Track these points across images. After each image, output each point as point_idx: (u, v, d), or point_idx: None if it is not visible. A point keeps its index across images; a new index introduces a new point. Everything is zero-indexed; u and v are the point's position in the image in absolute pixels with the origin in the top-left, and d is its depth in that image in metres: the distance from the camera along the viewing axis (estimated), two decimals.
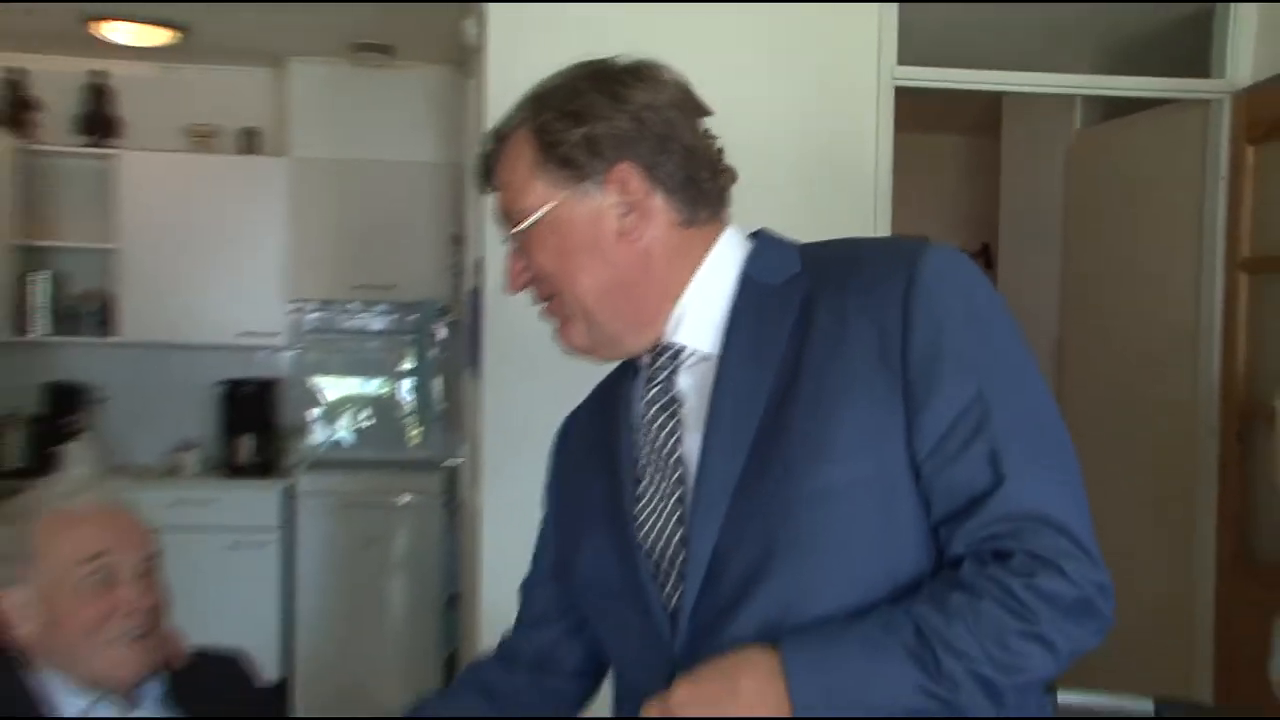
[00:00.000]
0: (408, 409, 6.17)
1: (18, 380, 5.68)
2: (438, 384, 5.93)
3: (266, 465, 5.65)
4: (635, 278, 1.38)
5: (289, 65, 5.58)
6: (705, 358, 1.39)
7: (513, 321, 3.73)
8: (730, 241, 1.44)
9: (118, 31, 4.93)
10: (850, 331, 1.31)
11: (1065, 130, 5.20)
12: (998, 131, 5.96)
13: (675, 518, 1.38)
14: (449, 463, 5.53)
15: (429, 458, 5.95)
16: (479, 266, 3.93)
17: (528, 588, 1.69)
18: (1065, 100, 5.09)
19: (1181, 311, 4.25)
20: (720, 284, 1.41)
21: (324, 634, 5.43)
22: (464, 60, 4.54)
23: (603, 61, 1.41)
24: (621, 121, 1.35)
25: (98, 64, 5.55)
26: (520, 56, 3.64)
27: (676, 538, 1.38)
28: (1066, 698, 1.97)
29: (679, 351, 1.41)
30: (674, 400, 1.40)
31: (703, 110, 1.44)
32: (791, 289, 1.37)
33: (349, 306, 6.05)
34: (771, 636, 1.29)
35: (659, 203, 1.37)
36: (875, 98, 3.89)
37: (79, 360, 5.81)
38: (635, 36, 3.31)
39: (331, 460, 5.90)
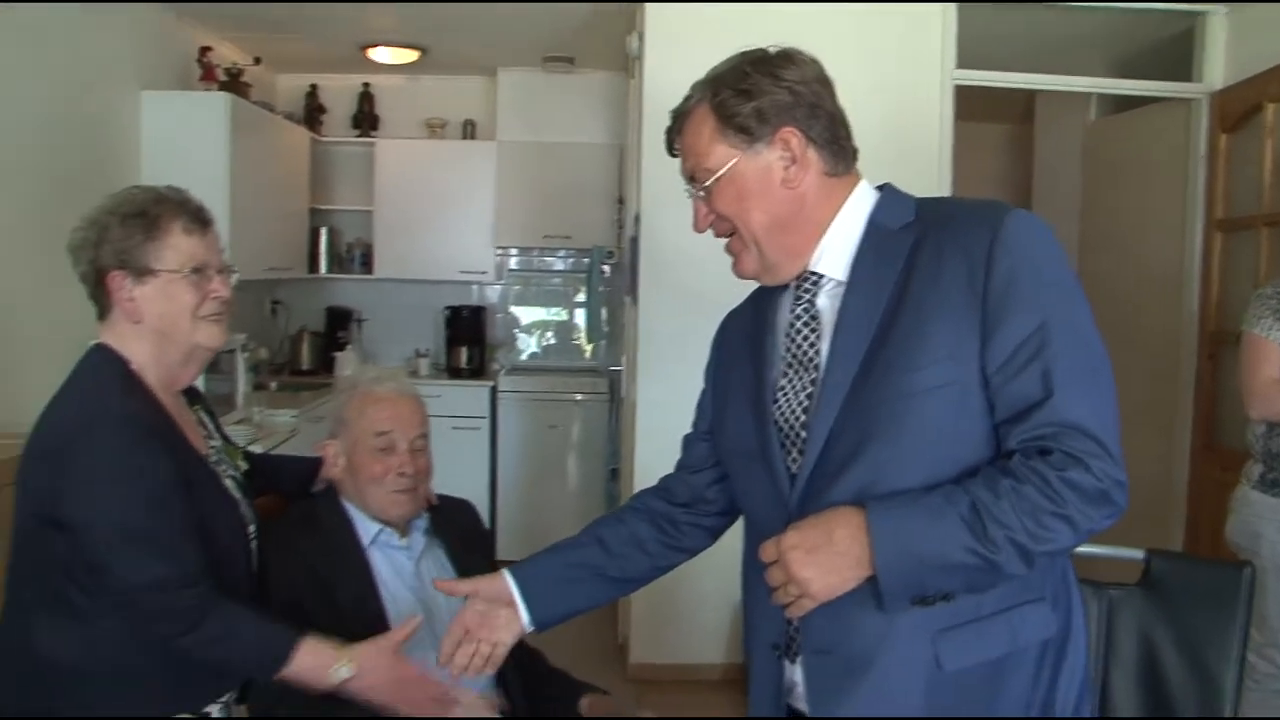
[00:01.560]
0: (581, 329, 6.93)
1: (308, 305, 6.73)
2: (604, 310, 6.61)
3: (478, 370, 6.53)
4: (794, 217, 1.57)
5: (498, 73, 6.43)
6: (839, 284, 1.58)
7: (660, 262, 4.51)
8: (862, 191, 1.62)
9: (380, 53, 5.93)
10: (945, 269, 1.47)
11: (1083, 121, 5.73)
12: (1032, 121, 6.39)
13: (804, 404, 1.56)
14: (612, 369, 6.12)
15: (596, 366, 6.73)
16: (637, 220, 4.54)
17: (687, 442, 1.90)
18: (1083, 97, 5.63)
19: (1170, 260, 4.76)
20: (853, 225, 1.58)
21: (518, 495, 6.25)
22: (627, 66, 5.24)
23: (759, 50, 1.59)
24: (781, 95, 1.54)
25: (365, 78, 6.56)
26: (669, 63, 4.40)
27: (803, 418, 1.56)
28: (1080, 549, 1.84)
29: (820, 278, 1.60)
30: (814, 315, 1.59)
31: (832, 86, 1.59)
32: (905, 234, 1.54)
33: (539, 251, 6.90)
34: (862, 501, 1.45)
35: (812, 156, 1.56)
36: (939, 94, 4.46)
37: (348, 291, 6.83)
38: (752, 43, 4.25)
39: (524, 367, 6.78)
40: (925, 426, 1.46)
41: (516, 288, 7.03)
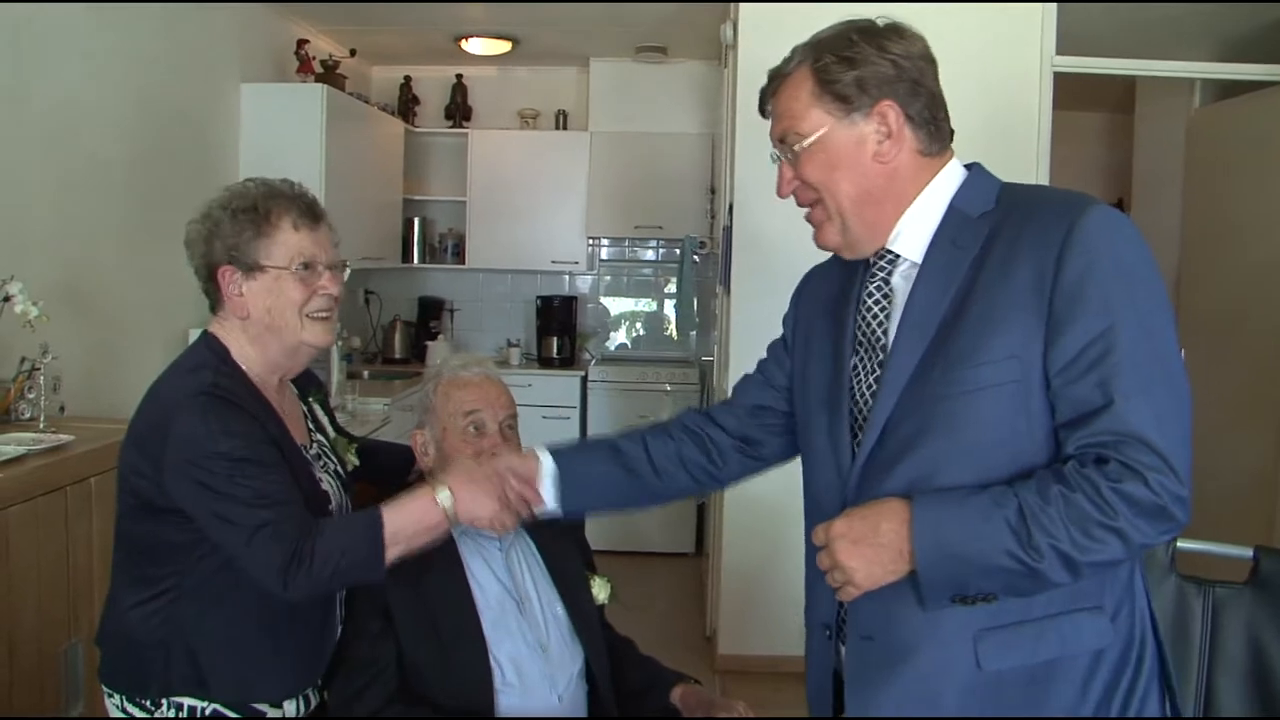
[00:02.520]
0: (671, 320, 6.93)
1: (401, 294, 6.85)
2: (695, 301, 6.49)
3: (568, 359, 6.61)
4: (882, 192, 1.56)
5: (590, 63, 6.51)
6: (914, 265, 1.56)
7: (753, 252, 4.49)
8: (950, 172, 1.59)
9: (473, 44, 6.05)
10: (1017, 263, 1.45)
11: (1186, 108, 5.58)
12: (1130, 109, 6.25)
13: (872, 387, 1.56)
14: (703, 359, 6.16)
15: (686, 356, 6.76)
16: (730, 209, 4.57)
17: (745, 381, 1.92)
18: (1187, 83, 5.49)
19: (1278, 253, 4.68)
20: (934, 207, 1.56)
21: None
22: (720, 55, 5.27)
23: (867, 20, 1.57)
24: (885, 67, 1.52)
25: (458, 69, 6.65)
26: (764, 52, 4.26)
27: (867, 398, 1.57)
28: (1184, 545, 2.05)
29: (896, 257, 1.59)
30: (886, 295, 1.59)
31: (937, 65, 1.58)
32: (983, 223, 1.52)
33: (630, 242, 6.97)
34: (916, 492, 1.45)
35: (908, 134, 1.55)
36: (1038, 81, 4.38)
37: (440, 280, 6.95)
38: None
39: (615, 357, 6.89)
40: (984, 424, 1.45)
41: (607, 278, 7.09)
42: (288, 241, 1.90)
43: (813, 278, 1.83)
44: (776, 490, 4.43)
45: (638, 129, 6.51)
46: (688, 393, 6.36)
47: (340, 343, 4.99)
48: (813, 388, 1.69)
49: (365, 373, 6.12)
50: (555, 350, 6.65)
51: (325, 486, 1.98)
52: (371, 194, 5.96)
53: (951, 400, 1.45)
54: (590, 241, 6.83)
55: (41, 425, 3.07)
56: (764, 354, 3.71)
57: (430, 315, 6.86)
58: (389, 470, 2.36)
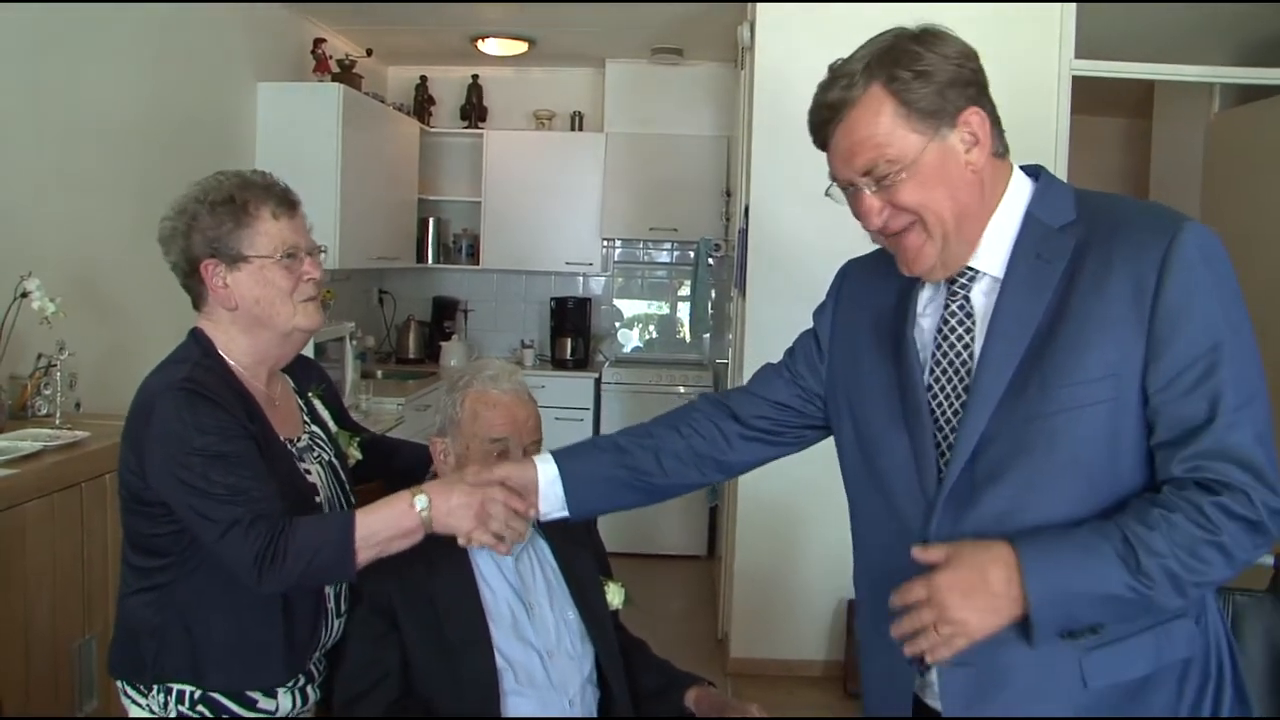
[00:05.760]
0: (684, 323, 6.93)
1: (415, 294, 6.88)
2: (708, 304, 6.62)
3: (582, 361, 6.62)
4: (975, 203, 1.50)
5: (606, 64, 6.51)
6: (994, 280, 1.51)
7: (769, 255, 4.51)
8: (1018, 177, 1.55)
9: (489, 45, 6.06)
10: (1112, 279, 1.41)
11: (1205, 113, 5.54)
12: (1148, 114, 6.23)
13: (956, 408, 1.52)
14: (718, 362, 6.20)
15: (699, 359, 6.82)
16: (746, 212, 4.57)
17: (771, 374, 1.85)
18: (1206, 88, 5.43)
19: None
20: (1011, 217, 1.51)
21: None
22: (736, 57, 5.26)
23: (905, 29, 1.50)
24: (959, 72, 1.46)
25: (474, 69, 6.66)
26: (781, 54, 4.43)
27: (955, 421, 1.52)
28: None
29: (976, 273, 1.53)
30: (969, 314, 1.53)
31: None
32: (1068, 234, 1.47)
33: (644, 244, 6.98)
34: (1009, 518, 1.44)
35: (990, 137, 1.49)
36: (1056, 85, 4.37)
37: (455, 281, 6.99)
38: (868, 32, 4.30)
39: (628, 359, 6.90)
40: (1079, 443, 1.42)
41: (621, 280, 7.09)
42: (269, 231, 1.90)
43: (852, 276, 1.79)
44: (789, 493, 4.52)
45: (653, 130, 6.53)
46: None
47: (355, 342, 4.99)
48: (876, 406, 1.63)
49: (379, 372, 6.13)
50: (569, 352, 6.66)
51: (313, 479, 1.99)
52: (387, 194, 5.98)
53: (1047, 419, 1.43)
54: (605, 243, 6.83)
55: (57, 421, 3.08)
56: (778, 357, 3.68)
57: (444, 315, 6.88)
58: (405, 471, 2.35)
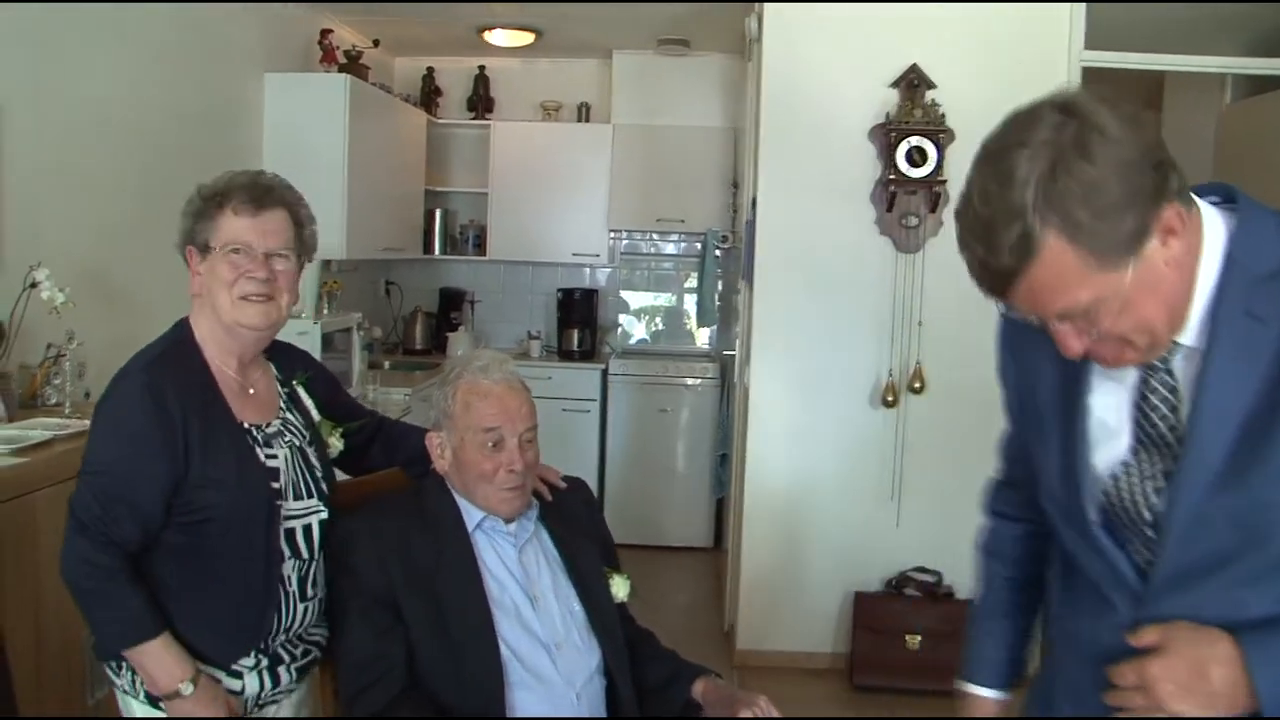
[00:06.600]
0: (690, 314, 6.94)
1: (422, 285, 6.89)
2: (715, 295, 6.61)
3: (589, 352, 6.64)
4: (1183, 293, 1.28)
5: (613, 56, 6.53)
6: (1193, 347, 1.31)
7: (777, 246, 4.51)
8: (1211, 216, 1.31)
9: (496, 36, 6.06)
10: None
11: (1217, 104, 5.52)
12: (1158, 105, 6.11)
13: (1155, 489, 1.35)
14: (725, 354, 6.22)
15: (706, 351, 6.82)
16: (754, 204, 4.58)
17: (1015, 450, 1.70)
18: (1217, 79, 5.41)
19: None
20: (1210, 270, 1.29)
21: (627, 476, 6.37)
22: (744, 49, 5.24)
23: (1061, 118, 1.19)
24: (1140, 177, 1.19)
25: (480, 60, 6.67)
26: (790, 45, 4.45)
27: (1150, 502, 1.36)
28: None
29: (1175, 345, 1.32)
30: (1173, 389, 1.34)
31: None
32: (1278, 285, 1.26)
33: (651, 235, 6.96)
34: (1227, 614, 1.30)
35: (1184, 217, 1.23)
36: (1065, 77, 4.33)
37: (461, 272, 7.00)
38: (881, 28, 4.31)
39: (635, 350, 6.88)
40: None
41: (626, 272, 7.09)
42: (224, 225, 1.98)
43: (1017, 334, 1.52)
44: (797, 485, 4.54)
45: (660, 122, 6.53)
46: (708, 388, 6.39)
47: (362, 332, 5.00)
48: (1051, 478, 1.49)
49: (386, 363, 6.15)
50: (576, 343, 6.68)
51: (275, 463, 2.04)
52: (393, 185, 5.98)
53: (1272, 509, 1.27)
54: (612, 234, 6.83)
55: (67, 410, 3.10)
56: (786, 348, 4.15)
57: (451, 306, 6.89)
58: (409, 464, 2.40)
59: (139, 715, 2.01)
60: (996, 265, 1.22)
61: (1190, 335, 1.31)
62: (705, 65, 6.48)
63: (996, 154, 1.22)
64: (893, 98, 4.43)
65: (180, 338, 2.04)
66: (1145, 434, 1.37)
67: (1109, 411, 1.40)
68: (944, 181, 4.38)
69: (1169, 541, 1.33)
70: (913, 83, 4.39)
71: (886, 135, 4.38)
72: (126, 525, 1.89)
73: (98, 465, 1.91)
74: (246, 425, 2.03)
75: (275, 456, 2.05)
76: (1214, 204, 1.33)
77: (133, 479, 1.89)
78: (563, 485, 2.37)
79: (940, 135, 4.33)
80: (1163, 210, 1.21)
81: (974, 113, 4.25)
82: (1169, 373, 1.34)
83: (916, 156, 4.33)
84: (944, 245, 4.40)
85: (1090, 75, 4.43)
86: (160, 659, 1.90)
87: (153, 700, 1.96)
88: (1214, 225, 1.30)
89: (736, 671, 4.54)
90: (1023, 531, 1.72)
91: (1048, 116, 1.19)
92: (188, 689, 1.91)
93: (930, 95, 4.38)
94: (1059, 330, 1.28)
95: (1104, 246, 1.19)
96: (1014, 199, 1.18)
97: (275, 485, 2.03)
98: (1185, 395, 1.33)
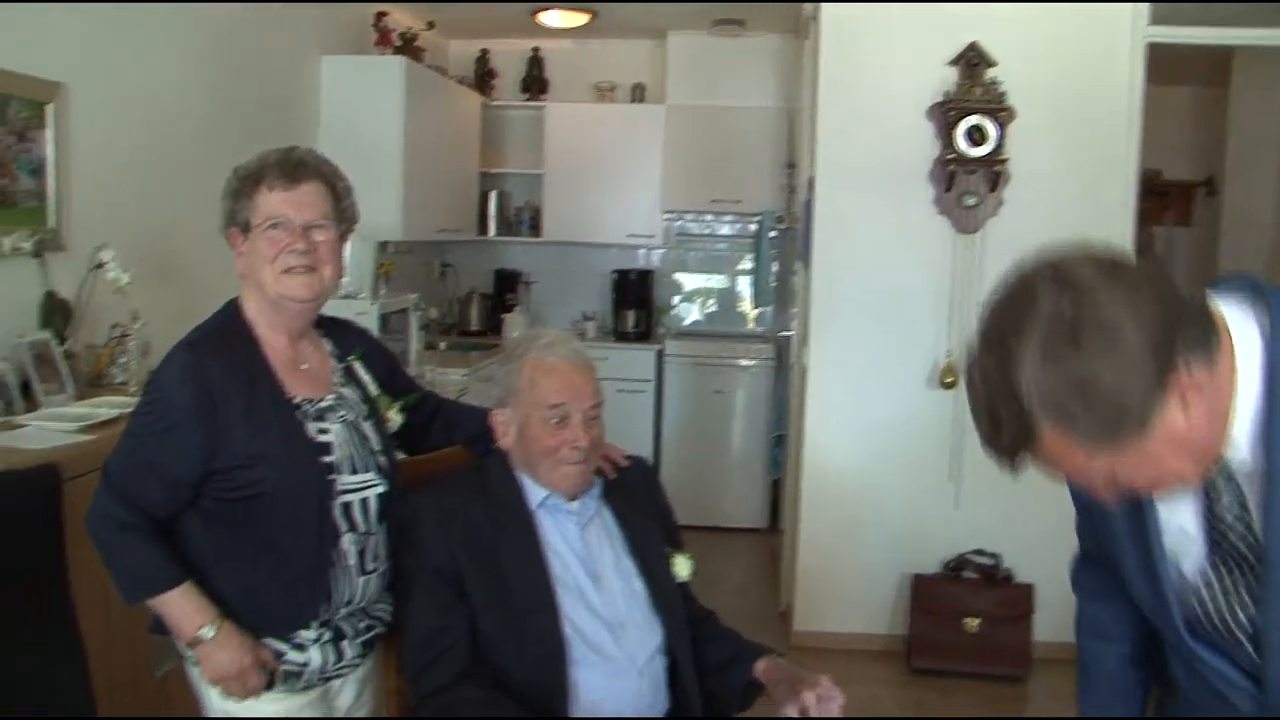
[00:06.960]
0: (745, 295, 6.95)
1: (477, 267, 6.95)
2: (770, 277, 6.63)
3: (644, 333, 6.67)
4: (1211, 436, 1.22)
5: (667, 36, 6.51)
6: (1251, 463, 1.27)
7: (834, 227, 4.51)
8: (1241, 328, 1.24)
9: (550, 17, 6.08)
10: None
11: None
12: (1222, 83, 6.00)
13: (1239, 602, 1.33)
14: (780, 335, 6.20)
15: (761, 332, 6.82)
16: (811, 184, 4.58)
17: (1084, 563, 1.72)
18: None
19: None
20: (1248, 389, 1.23)
21: (682, 457, 6.40)
22: (798, 28, 5.28)
23: (1063, 306, 1.12)
24: (1141, 361, 1.11)
25: (534, 42, 6.69)
26: (847, 24, 4.43)
27: (1240, 620, 1.33)
28: None
29: (1224, 460, 1.28)
30: (1243, 505, 1.30)
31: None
32: None
33: (705, 216, 6.94)
34: None
35: (1205, 373, 1.16)
36: (1129, 53, 4.31)
37: (517, 253, 7.04)
38: (939, 6, 4.26)
39: (690, 331, 6.89)
40: None
41: (680, 253, 7.09)
42: (262, 202, 2.01)
43: None
44: (853, 466, 4.52)
45: (714, 102, 6.50)
46: (763, 369, 6.40)
47: (419, 313, 5.04)
48: (1137, 590, 1.45)
49: (442, 344, 6.18)
50: (631, 324, 6.70)
51: (328, 437, 2.05)
52: (449, 166, 6.02)
53: None
54: (666, 215, 6.82)
55: (132, 389, 3.16)
56: (844, 329, 4.22)
57: (506, 288, 6.92)
58: (470, 443, 2.40)
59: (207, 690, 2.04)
60: (999, 443, 1.20)
61: (1243, 451, 1.25)
62: (760, 45, 6.44)
63: (993, 329, 1.18)
64: (951, 76, 4.37)
65: (228, 316, 2.08)
66: (1218, 545, 1.33)
67: (1184, 517, 1.36)
68: (1005, 160, 4.32)
69: (1272, 659, 1.29)
70: (972, 61, 4.33)
71: (945, 114, 4.34)
72: (153, 491, 1.94)
73: (134, 429, 1.98)
74: (297, 400, 2.05)
75: (327, 431, 2.06)
76: (1243, 299, 1.26)
77: (162, 451, 1.93)
78: (626, 463, 2.35)
79: (1001, 114, 4.27)
80: (1173, 382, 1.13)
81: (1037, 90, 4.26)
82: (1229, 477, 1.29)
83: (976, 135, 4.28)
84: (1003, 225, 4.38)
85: (1155, 51, 4.34)
86: (180, 606, 1.94)
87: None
88: (1247, 340, 1.23)
89: (793, 653, 4.51)
90: (1123, 611, 1.63)
91: (1044, 291, 1.14)
92: (208, 633, 1.94)
93: (990, 73, 4.31)
94: (1086, 483, 1.24)
95: (1105, 434, 1.14)
96: (1010, 382, 1.14)
97: (327, 459, 2.03)
98: (1253, 507, 1.28)
